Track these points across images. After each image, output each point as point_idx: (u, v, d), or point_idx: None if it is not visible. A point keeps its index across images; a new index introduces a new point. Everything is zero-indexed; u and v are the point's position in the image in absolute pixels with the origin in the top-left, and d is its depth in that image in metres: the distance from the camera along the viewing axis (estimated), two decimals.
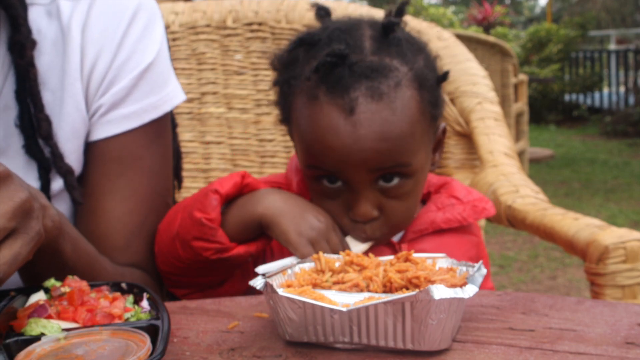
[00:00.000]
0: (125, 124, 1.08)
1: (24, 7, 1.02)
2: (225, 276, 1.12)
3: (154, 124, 1.10)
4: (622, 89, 12.05)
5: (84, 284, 0.81)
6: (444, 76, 1.11)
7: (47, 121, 1.02)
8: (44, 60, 1.04)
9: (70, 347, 0.70)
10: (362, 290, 0.81)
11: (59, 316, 0.77)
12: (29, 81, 1.01)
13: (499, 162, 1.48)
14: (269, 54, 1.17)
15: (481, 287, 0.77)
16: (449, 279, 0.79)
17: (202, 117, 1.66)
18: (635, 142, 9.51)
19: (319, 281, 0.83)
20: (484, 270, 0.81)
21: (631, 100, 11.34)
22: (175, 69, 1.25)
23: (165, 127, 1.15)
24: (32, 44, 1.01)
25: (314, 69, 1.03)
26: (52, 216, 0.85)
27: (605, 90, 12.53)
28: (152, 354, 0.68)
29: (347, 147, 1.01)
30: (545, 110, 12.21)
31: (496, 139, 1.51)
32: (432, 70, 1.10)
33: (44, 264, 0.89)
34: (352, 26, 1.09)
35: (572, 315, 0.84)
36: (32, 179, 1.03)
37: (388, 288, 0.81)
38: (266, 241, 1.08)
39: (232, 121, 1.66)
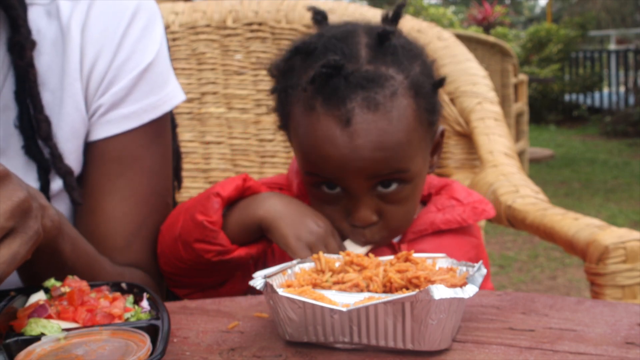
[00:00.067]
0: (125, 124, 1.08)
1: (24, 8, 1.02)
2: (226, 277, 1.12)
3: (153, 124, 1.10)
4: (622, 89, 12.05)
5: (84, 284, 0.81)
6: (441, 82, 1.11)
7: (47, 122, 1.02)
8: (44, 60, 1.04)
9: (70, 347, 0.70)
10: (362, 290, 0.81)
11: (59, 316, 0.77)
12: (28, 82, 1.01)
13: (499, 162, 1.48)
14: (267, 62, 1.17)
15: (481, 288, 0.77)
16: (449, 279, 0.79)
17: (202, 117, 1.66)
18: (635, 142, 9.51)
19: (319, 281, 0.83)
20: (484, 271, 0.81)
21: (631, 100, 11.34)
22: (175, 69, 1.25)
23: (165, 127, 1.15)
24: (32, 44, 1.01)
25: (310, 80, 1.04)
26: (51, 216, 0.85)
27: (605, 90, 12.54)
28: (152, 354, 0.68)
29: (344, 156, 1.02)
30: (545, 110, 12.21)
31: (496, 139, 1.51)
32: (428, 77, 1.10)
33: (43, 263, 0.89)
34: (347, 34, 1.09)
35: (572, 315, 0.84)
36: (31, 180, 1.03)
37: (388, 288, 0.81)
38: (267, 244, 1.09)
39: (232, 121, 1.66)
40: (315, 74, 1.03)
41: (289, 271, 0.87)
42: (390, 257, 0.88)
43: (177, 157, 1.29)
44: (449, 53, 1.58)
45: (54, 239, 0.87)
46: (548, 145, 9.56)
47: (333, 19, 1.51)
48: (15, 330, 0.74)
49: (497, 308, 0.88)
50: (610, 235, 1.20)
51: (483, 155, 1.51)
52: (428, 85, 1.09)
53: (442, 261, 0.88)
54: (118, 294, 0.83)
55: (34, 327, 0.73)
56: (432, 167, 1.16)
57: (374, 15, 1.51)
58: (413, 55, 1.09)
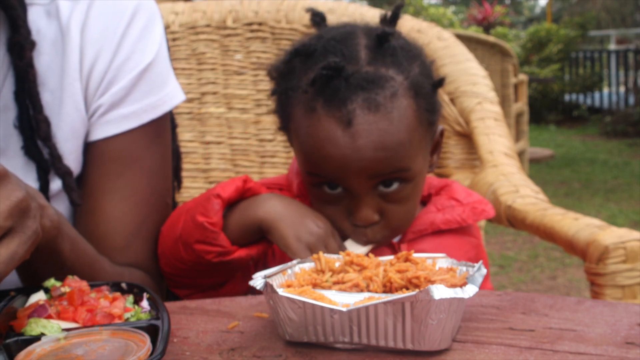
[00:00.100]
0: (125, 124, 1.08)
1: (24, 8, 1.02)
2: (227, 278, 1.13)
3: (153, 124, 1.10)
4: (622, 89, 12.05)
5: (84, 284, 0.81)
6: (440, 82, 1.12)
7: (46, 122, 1.02)
8: (43, 60, 1.04)
9: (70, 347, 0.70)
10: (362, 290, 0.81)
11: (59, 316, 0.77)
12: (28, 82, 1.01)
13: (499, 162, 1.48)
14: (267, 62, 1.18)
15: (480, 288, 0.77)
16: (449, 279, 0.79)
17: (202, 117, 1.66)
18: (635, 142, 9.51)
19: (319, 281, 0.83)
20: (484, 270, 0.81)
21: (631, 100, 11.34)
22: (175, 69, 1.25)
23: (164, 127, 1.15)
24: (32, 45, 1.01)
25: (310, 82, 1.04)
26: (51, 216, 0.85)
27: (605, 90, 12.53)
28: (152, 354, 0.68)
29: (346, 157, 1.03)
30: (545, 110, 12.21)
31: (496, 139, 1.51)
32: (427, 77, 1.11)
33: (43, 263, 0.89)
34: (347, 36, 1.09)
35: (572, 315, 0.84)
36: (31, 180, 1.03)
37: (388, 288, 0.81)
38: (267, 245, 1.09)
39: (232, 121, 1.66)
40: (315, 76, 1.03)
41: (289, 271, 0.87)
42: (390, 257, 0.88)
43: (177, 157, 1.29)
44: (449, 53, 1.58)
45: (53, 238, 0.87)
46: (548, 145, 9.55)
47: (333, 19, 1.52)
48: (15, 330, 0.74)
49: (497, 308, 0.88)
50: (610, 235, 1.20)
51: (483, 155, 1.51)
52: (428, 86, 1.09)
53: (442, 261, 0.88)
54: (118, 294, 0.83)
55: (34, 327, 0.73)
56: (432, 167, 1.16)
57: (374, 15, 1.51)
58: (412, 56, 1.10)
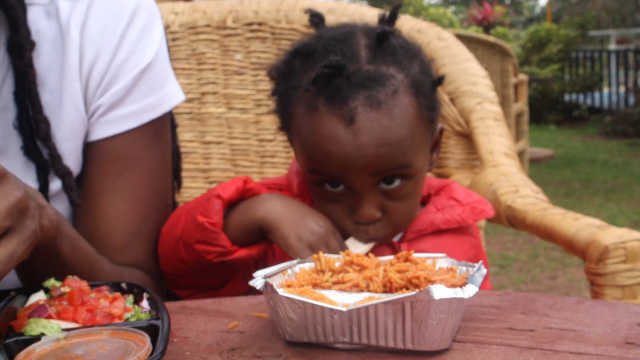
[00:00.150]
0: (125, 124, 1.08)
1: (24, 8, 1.02)
2: (227, 278, 1.13)
3: (153, 124, 1.10)
4: (622, 89, 12.05)
5: (84, 284, 0.81)
6: (440, 80, 1.13)
7: (46, 122, 1.02)
8: (43, 60, 1.04)
9: (70, 347, 0.70)
10: (362, 290, 0.81)
11: (59, 316, 0.77)
12: (27, 82, 1.01)
13: (499, 162, 1.48)
14: (267, 62, 1.18)
15: (480, 288, 0.77)
16: (449, 279, 0.79)
17: (202, 117, 1.66)
18: (635, 142, 9.51)
19: (319, 281, 0.83)
20: (484, 270, 0.81)
21: (631, 100, 11.34)
22: (175, 69, 1.25)
23: (164, 127, 1.15)
24: (31, 45, 1.01)
25: (312, 81, 1.05)
26: (50, 215, 0.85)
27: (605, 90, 12.53)
28: (152, 354, 0.68)
29: (348, 154, 1.03)
30: (545, 110, 12.21)
31: (496, 139, 1.51)
32: (427, 75, 1.12)
33: (42, 263, 0.89)
34: (347, 35, 1.10)
35: (572, 315, 0.84)
36: (30, 180, 1.03)
37: (388, 288, 0.81)
38: (267, 245, 1.09)
39: (232, 121, 1.66)
40: (317, 75, 1.04)
41: (289, 271, 0.87)
42: (390, 257, 0.88)
43: (177, 157, 1.29)
44: (449, 53, 1.58)
45: (53, 238, 0.87)
46: (548, 145, 9.55)
47: (333, 19, 1.52)
48: (15, 330, 0.74)
49: (497, 308, 0.88)
50: (610, 235, 1.20)
51: (483, 155, 1.51)
52: (427, 84, 1.10)
53: (442, 261, 0.88)
54: (118, 294, 0.83)
55: (34, 327, 0.73)
56: (431, 165, 1.17)
57: (374, 15, 1.50)
58: (412, 55, 1.11)
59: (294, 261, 0.90)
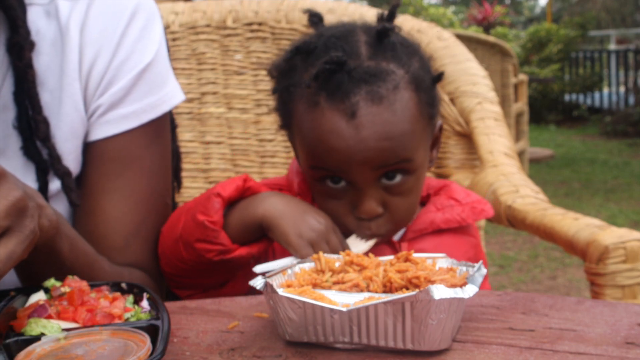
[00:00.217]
0: (124, 124, 1.08)
1: (23, 8, 1.02)
2: (228, 277, 1.13)
3: (152, 124, 1.10)
4: (622, 89, 12.05)
5: (84, 284, 0.81)
6: (439, 77, 1.14)
7: (45, 123, 1.02)
8: (43, 60, 1.04)
9: (70, 347, 0.70)
10: (362, 290, 0.81)
11: (59, 316, 0.77)
12: (27, 83, 1.01)
13: (499, 162, 1.48)
14: (267, 62, 1.19)
15: (480, 288, 0.77)
16: (449, 279, 0.79)
17: (202, 117, 1.66)
18: (635, 142, 9.51)
19: (319, 281, 0.83)
20: (484, 270, 0.81)
21: (631, 100, 11.33)
22: (175, 69, 1.25)
23: (164, 127, 1.15)
24: (31, 45, 1.01)
25: (313, 77, 1.05)
26: (49, 215, 0.85)
27: (605, 90, 12.53)
28: (152, 354, 0.68)
29: (350, 148, 1.04)
30: (545, 110, 12.21)
31: (496, 139, 1.51)
32: (427, 72, 1.13)
33: (41, 263, 0.89)
34: (347, 33, 1.11)
35: (572, 315, 0.84)
36: (30, 180, 1.03)
37: (388, 288, 0.81)
38: (268, 243, 1.09)
39: (232, 121, 1.66)
40: (318, 71, 1.05)
41: (289, 271, 0.87)
42: (390, 257, 0.88)
43: (177, 157, 1.29)
44: (449, 53, 1.58)
45: (52, 238, 0.87)
46: (548, 145, 9.55)
47: (333, 19, 1.52)
48: (15, 330, 0.74)
49: (497, 308, 0.88)
50: (610, 235, 1.20)
51: (483, 155, 1.51)
52: (427, 80, 1.11)
53: (442, 261, 0.88)
54: (118, 294, 0.83)
55: (34, 327, 0.73)
56: (431, 162, 1.18)
57: (374, 15, 1.50)
58: (411, 52, 1.12)
59: (293, 261, 0.90)
